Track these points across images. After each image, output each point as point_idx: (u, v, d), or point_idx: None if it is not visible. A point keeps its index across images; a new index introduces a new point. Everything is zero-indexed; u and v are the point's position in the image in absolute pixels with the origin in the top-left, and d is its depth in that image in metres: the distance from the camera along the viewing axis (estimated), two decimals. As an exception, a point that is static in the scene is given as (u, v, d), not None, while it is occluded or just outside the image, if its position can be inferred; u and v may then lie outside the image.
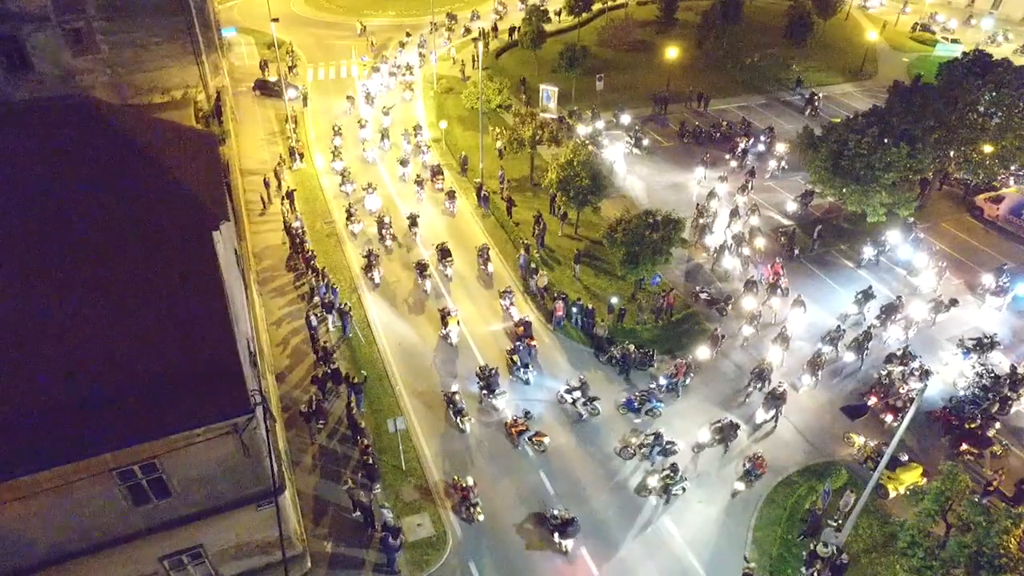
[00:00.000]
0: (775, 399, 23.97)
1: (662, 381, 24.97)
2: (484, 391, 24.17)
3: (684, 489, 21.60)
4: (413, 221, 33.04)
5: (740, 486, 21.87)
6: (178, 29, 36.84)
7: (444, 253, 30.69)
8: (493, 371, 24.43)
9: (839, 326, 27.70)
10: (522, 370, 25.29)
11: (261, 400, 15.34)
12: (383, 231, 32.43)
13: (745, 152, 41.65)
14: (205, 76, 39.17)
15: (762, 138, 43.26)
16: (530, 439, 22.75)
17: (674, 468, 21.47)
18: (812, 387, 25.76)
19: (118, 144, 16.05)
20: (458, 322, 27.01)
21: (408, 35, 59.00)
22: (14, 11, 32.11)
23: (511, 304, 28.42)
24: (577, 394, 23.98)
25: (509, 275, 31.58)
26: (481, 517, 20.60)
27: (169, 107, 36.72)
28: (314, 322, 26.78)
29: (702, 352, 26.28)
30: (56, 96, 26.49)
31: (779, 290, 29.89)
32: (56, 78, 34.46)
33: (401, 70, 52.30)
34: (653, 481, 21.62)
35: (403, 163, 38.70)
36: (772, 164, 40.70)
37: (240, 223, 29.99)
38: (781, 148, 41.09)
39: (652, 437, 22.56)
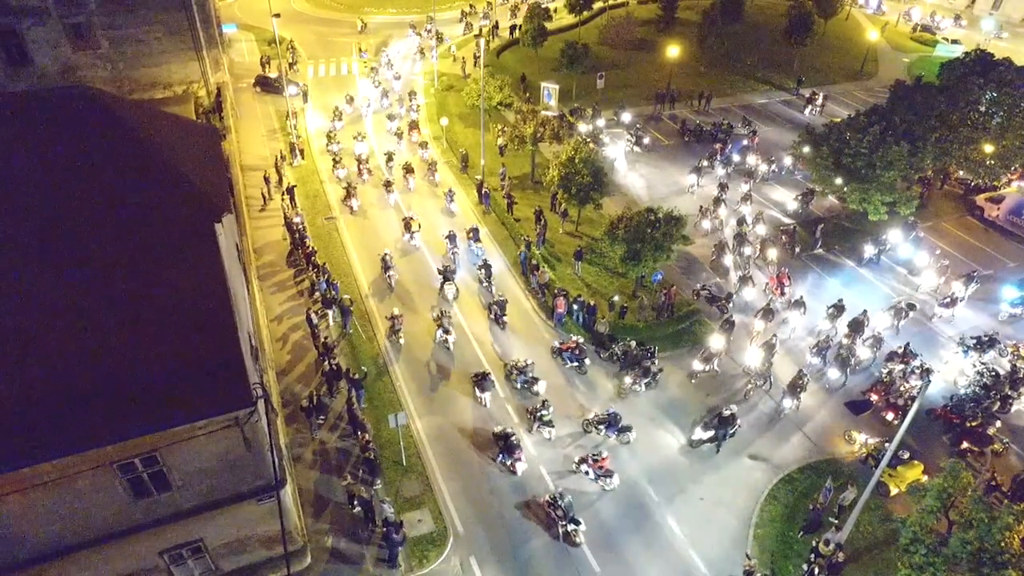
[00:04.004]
0: (722, 422, 22.80)
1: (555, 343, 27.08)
2: (444, 281, 29.26)
3: (550, 437, 23.09)
4: (389, 158, 38.77)
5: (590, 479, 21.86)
6: (179, 25, 36.66)
7: (408, 169, 37.29)
8: (449, 268, 29.78)
9: (827, 336, 27.16)
10: (450, 253, 31.29)
11: (263, 394, 15.27)
12: (361, 167, 37.94)
13: (729, 159, 40.42)
14: (206, 72, 39.01)
15: (745, 142, 42.52)
16: (445, 331, 26.40)
17: (545, 405, 23.20)
18: (795, 411, 24.68)
19: (121, 135, 15.97)
20: (419, 226, 32.78)
21: (472, 6, 64.84)
22: (14, 5, 31.97)
23: (452, 201, 35.53)
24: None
25: (509, 271, 31.67)
26: (402, 340, 26.68)
27: (170, 102, 36.58)
28: (314, 318, 26.72)
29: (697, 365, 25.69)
30: (58, 87, 26.37)
31: (772, 314, 27.94)
32: (56, 72, 34.33)
33: (430, 34, 55.86)
34: (528, 405, 23.92)
35: (391, 118, 43.92)
36: (763, 168, 40.00)
37: (241, 218, 29.92)
38: (752, 160, 39.79)
39: (524, 365, 24.92)
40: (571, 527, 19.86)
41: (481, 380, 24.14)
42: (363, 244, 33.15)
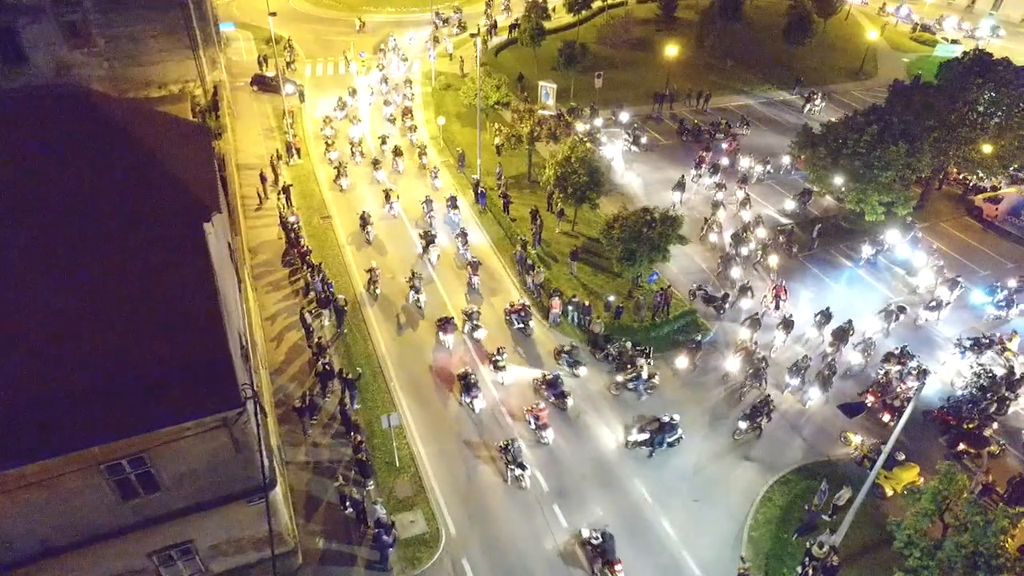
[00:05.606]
0: (660, 428, 22.72)
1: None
2: (425, 244, 31.71)
3: (503, 381, 25.07)
4: (383, 140, 41.05)
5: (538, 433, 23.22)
6: (176, 23, 36.56)
7: (397, 152, 39.22)
8: (429, 233, 32.19)
9: (805, 355, 25.98)
10: (427, 217, 33.97)
11: (252, 394, 15.14)
12: (354, 149, 39.96)
13: (716, 167, 38.86)
14: (202, 71, 38.88)
15: (725, 145, 41.94)
16: (416, 292, 28.53)
17: (500, 351, 25.20)
18: (755, 437, 23.71)
19: (110, 134, 15.85)
20: (398, 197, 35.36)
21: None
22: (10, 2, 31.86)
23: (436, 177, 37.60)
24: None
25: (506, 272, 31.54)
26: (378, 291, 29.06)
27: (166, 101, 36.47)
28: (309, 318, 26.60)
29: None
30: (49, 85, 26.23)
31: (759, 324, 27.27)
32: (52, 71, 34.20)
33: (448, 24, 58.36)
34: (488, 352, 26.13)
35: (386, 103, 46.30)
36: (759, 169, 39.71)
37: (235, 217, 29.79)
38: (746, 163, 39.22)
39: (472, 312, 27.26)
40: (518, 472, 21.38)
41: (444, 323, 26.43)
42: (350, 217, 34.83)
